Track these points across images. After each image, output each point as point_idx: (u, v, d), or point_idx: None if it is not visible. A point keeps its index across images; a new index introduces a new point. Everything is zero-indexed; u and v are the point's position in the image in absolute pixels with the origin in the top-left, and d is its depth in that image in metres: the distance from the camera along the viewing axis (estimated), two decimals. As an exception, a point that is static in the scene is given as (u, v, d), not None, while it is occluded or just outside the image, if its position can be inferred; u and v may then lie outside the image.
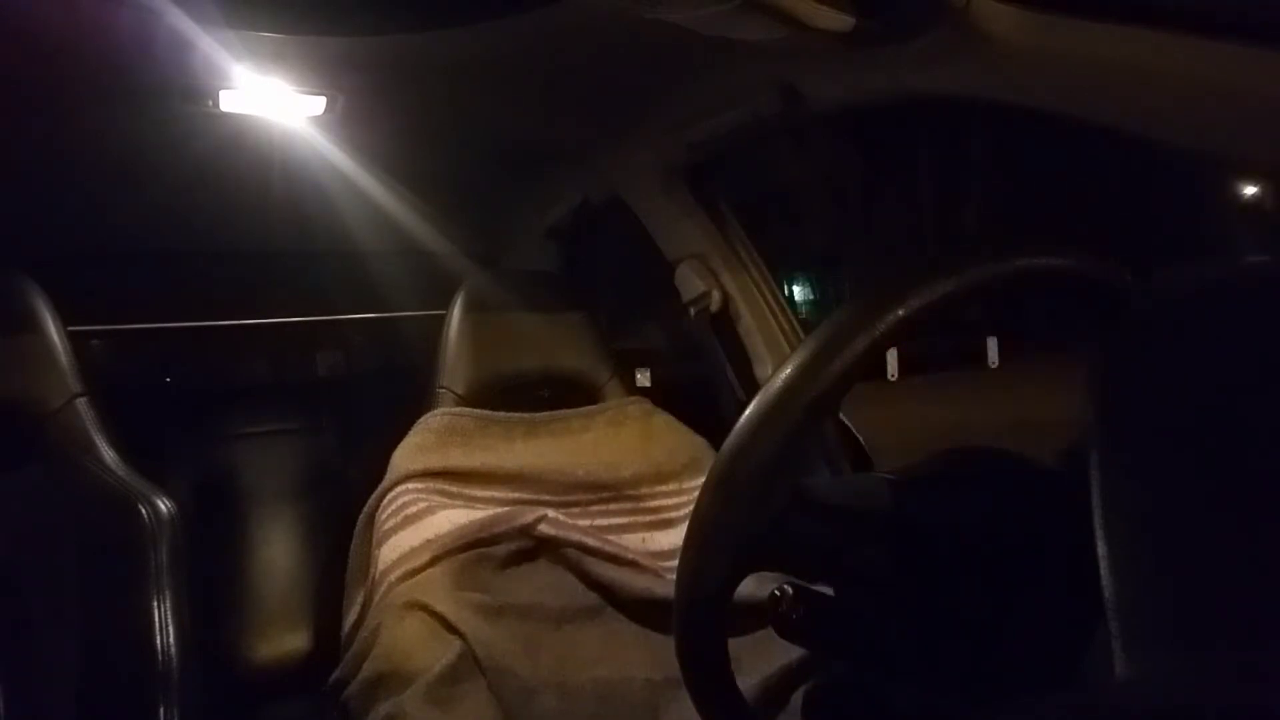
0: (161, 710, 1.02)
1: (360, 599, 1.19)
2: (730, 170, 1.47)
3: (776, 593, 0.66)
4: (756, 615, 0.67)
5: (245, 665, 1.60)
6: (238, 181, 1.43)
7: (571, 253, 1.83)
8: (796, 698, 0.69)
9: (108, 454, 1.17)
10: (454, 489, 1.24)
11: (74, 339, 1.22)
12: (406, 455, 1.28)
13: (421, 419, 1.35)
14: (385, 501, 1.22)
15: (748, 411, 0.61)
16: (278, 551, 1.71)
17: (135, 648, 1.04)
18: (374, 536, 1.20)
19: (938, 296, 0.61)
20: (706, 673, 0.64)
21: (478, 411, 1.35)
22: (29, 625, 1.02)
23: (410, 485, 1.23)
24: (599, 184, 1.57)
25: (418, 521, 1.17)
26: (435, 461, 1.26)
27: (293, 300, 1.78)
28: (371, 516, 1.23)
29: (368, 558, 1.20)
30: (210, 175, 1.39)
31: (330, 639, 1.39)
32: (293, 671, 1.61)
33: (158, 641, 1.05)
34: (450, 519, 1.18)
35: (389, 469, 1.27)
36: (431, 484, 1.24)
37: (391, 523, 1.18)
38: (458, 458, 1.27)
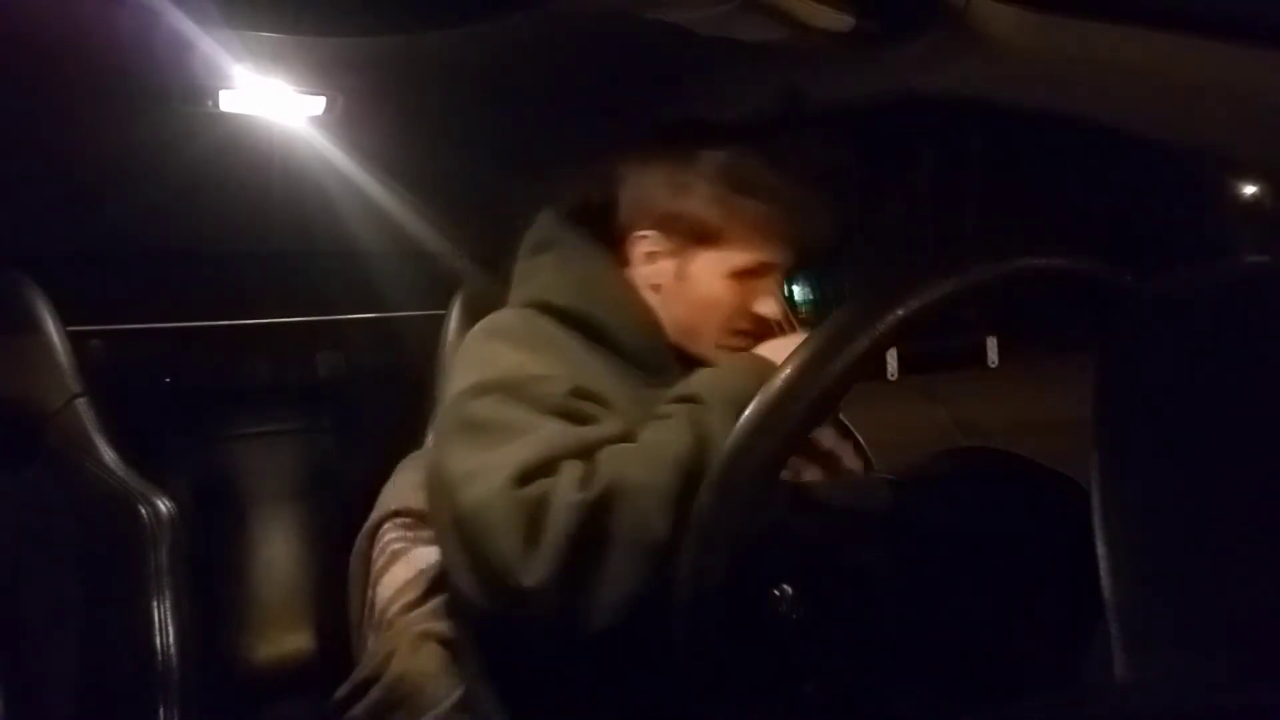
0: (161, 710, 1.02)
1: (365, 628, 1.17)
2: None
3: (776, 593, 0.66)
4: (756, 615, 0.67)
5: (245, 665, 1.60)
6: (238, 181, 1.43)
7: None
8: (797, 698, 0.69)
9: (108, 454, 1.17)
10: None
11: (74, 339, 1.22)
12: (396, 492, 1.25)
13: (418, 454, 1.32)
14: (375, 539, 1.20)
15: (748, 411, 0.61)
16: (278, 552, 1.71)
17: (135, 648, 1.04)
18: (370, 574, 1.18)
19: (938, 296, 0.61)
20: (707, 673, 0.64)
21: None
22: (29, 625, 1.02)
23: (397, 521, 1.20)
24: (598, 184, 1.57)
25: (405, 555, 1.15)
26: (425, 503, 1.23)
27: (293, 300, 1.78)
28: (364, 554, 1.20)
29: (364, 591, 1.18)
30: (210, 175, 1.39)
31: (330, 640, 1.38)
32: (293, 672, 1.61)
33: (158, 641, 1.05)
34: (438, 551, 1.15)
35: (377, 504, 1.24)
36: (418, 524, 1.21)
37: (381, 561, 1.16)
38: None
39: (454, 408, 0.85)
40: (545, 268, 1.02)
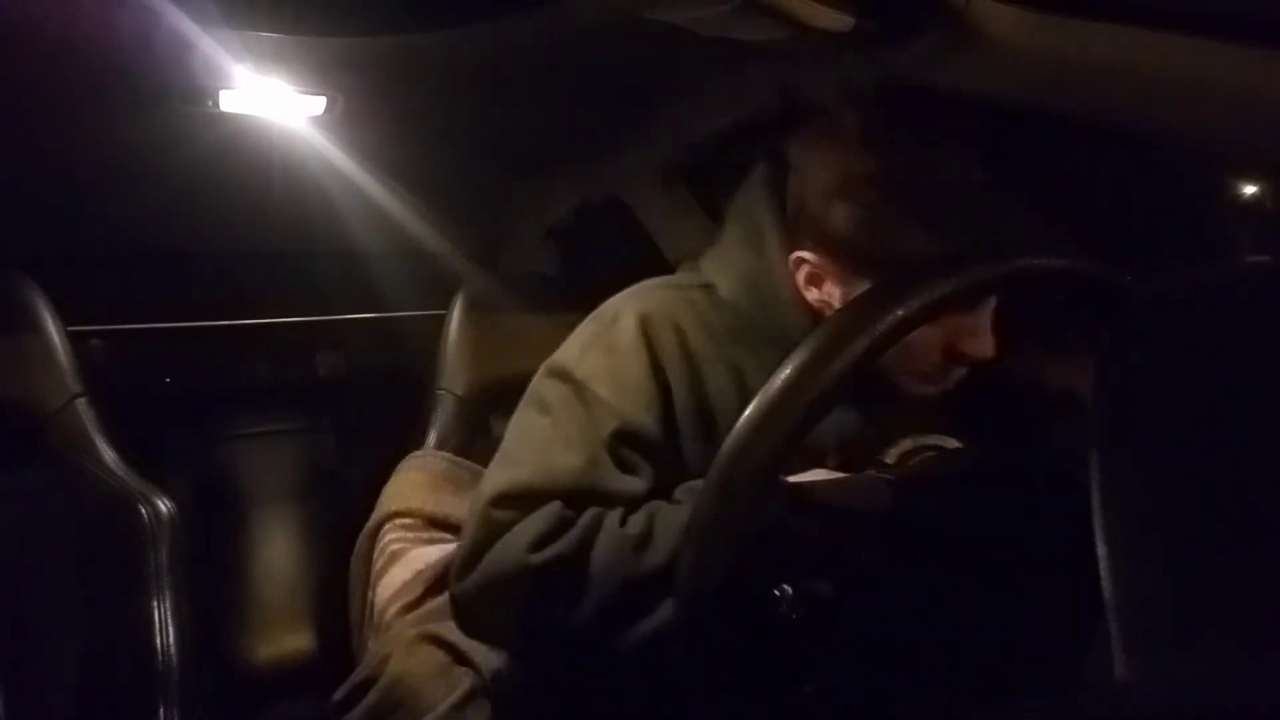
0: (161, 710, 1.02)
1: (365, 629, 1.17)
2: (731, 170, 1.46)
3: (776, 593, 0.66)
4: (756, 615, 0.67)
5: (245, 665, 1.60)
6: (238, 181, 1.43)
7: (571, 253, 1.83)
8: (797, 698, 0.69)
9: (108, 454, 1.17)
10: (438, 534, 1.22)
11: (74, 339, 1.22)
12: (397, 492, 1.25)
13: (419, 454, 1.32)
14: (376, 539, 1.20)
15: (748, 411, 0.61)
16: (277, 552, 1.72)
17: (135, 648, 1.04)
18: (370, 575, 1.18)
19: (938, 296, 0.61)
20: (707, 672, 0.64)
21: (476, 467, 1.30)
22: (29, 625, 1.02)
23: (397, 522, 1.21)
24: (599, 184, 1.57)
25: (404, 556, 1.15)
26: (426, 505, 1.23)
27: (293, 300, 1.78)
28: (365, 555, 1.20)
29: (364, 593, 1.18)
30: (210, 175, 1.39)
31: (330, 639, 1.37)
32: (292, 672, 1.61)
33: (158, 641, 1.05)
34: (437, 550, 1.16)
35: (378, 504, 1.24)
36: (418, 524, 1.21)
37: (381, 562, 1.16)
38: (450, 505, 1.24)
39: (542, 375, 0.88)
40: (733, 237, 0.89)
